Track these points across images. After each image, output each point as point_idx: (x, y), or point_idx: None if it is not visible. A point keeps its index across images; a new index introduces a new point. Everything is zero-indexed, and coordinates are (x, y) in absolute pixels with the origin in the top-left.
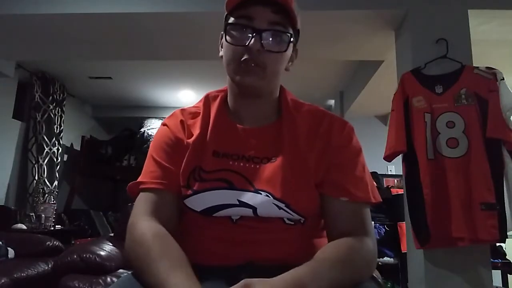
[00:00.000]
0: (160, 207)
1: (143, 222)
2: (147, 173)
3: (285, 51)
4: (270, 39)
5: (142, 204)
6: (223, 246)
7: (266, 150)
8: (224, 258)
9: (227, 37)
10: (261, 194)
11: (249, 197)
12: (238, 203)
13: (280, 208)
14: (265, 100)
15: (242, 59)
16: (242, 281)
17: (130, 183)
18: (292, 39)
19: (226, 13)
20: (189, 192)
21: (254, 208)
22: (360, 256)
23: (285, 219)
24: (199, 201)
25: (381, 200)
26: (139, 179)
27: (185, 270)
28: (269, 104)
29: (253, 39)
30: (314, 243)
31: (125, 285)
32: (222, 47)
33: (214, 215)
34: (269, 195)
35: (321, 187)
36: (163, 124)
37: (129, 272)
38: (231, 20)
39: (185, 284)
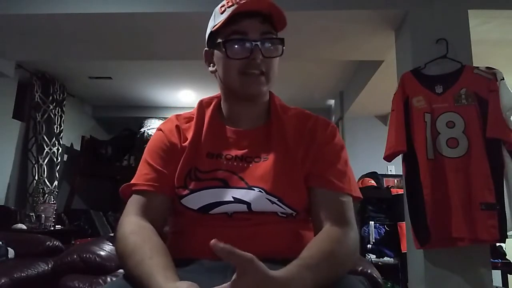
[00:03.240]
0: (149, 208)
1: (128, 221)
2: (140, 175)
3: (281, 54)
4: (269, 47)
5: (132, 205)
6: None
7: (257, 149)
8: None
9: (228, 53)
10: (254, 190)
11: (243, 194)
12: (233, 199)
13: (273, 202)
14: (257, 104)
15: (244, 71)
16: (250, 256)
17: (123, 185)
18: (283, 44)
19: (211, 30)
20: (186, 191)
21: (248, 204)
22: (343, 250)
23: (278, 213)
24: (196, 200)
25: (362, 197)
26: (131, 182)
27: (157, 260)
28: (260, 108)
29: (254, 50)
30: (306, 235)
31: (116, 286)
32: (210, 62)
33: (210, 212)
34: (262, 191)
35: (307, 180)
36: (158, 129)
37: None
38: (224, 37)
39: (158, 276)
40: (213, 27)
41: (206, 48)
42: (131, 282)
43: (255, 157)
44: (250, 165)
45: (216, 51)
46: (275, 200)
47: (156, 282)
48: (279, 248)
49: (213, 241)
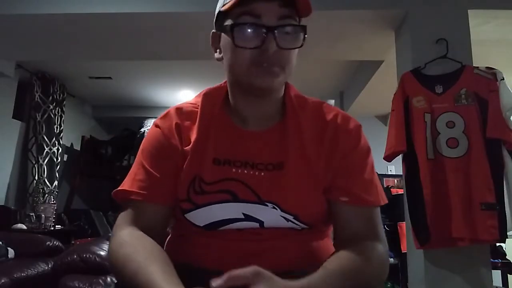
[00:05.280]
0: (145, 219)
1: (118, 234)
2: (134, 181)
3: (301, 46)
4: (286, 36)
5: (125, 215)
6: (227, 255)
7: (271, 155)
8: (228, 267)
9: (236, 40)
10: (267, 206)
11: (255, 210)
12: (243, 217)
13: (288, 220)
14: (271, 99)
15: (256, 61)
16: (253, 267)
17: (115, 190)
18: (305, 32)
19: (219, 10)
20: (190, 206)
21: (261, 222)
22: (371, 265)
23: (293, 228)
24: (202, 216)
25: (387, 201)
26: (125, 187)
27: (153, 268)
28: (275, 103)
29: (267, 39)
30: (318, 246)
31: None
32: (218, 48)
33: (218, 229)
34: (276, 207)
35: (329, 193)
36: (156, 125)
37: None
38: (232, 19)
39: (159, 281)
40: (223, 5)
41: (213, 30)
42: None
43: (268, 164)
44: (262, 174)
45: (223, 35)
46: (290, 217)
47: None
48: (294, 262)
49: (211, 282)
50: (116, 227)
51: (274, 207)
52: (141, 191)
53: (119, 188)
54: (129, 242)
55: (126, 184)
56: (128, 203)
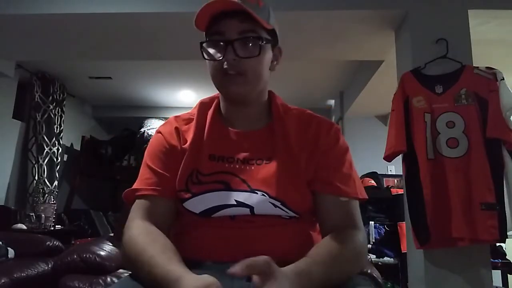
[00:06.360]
0: (154, 213)
1: (135, 225)
2: (142, 180)
3: (259, 54)
4: (244, 46)
5: (137, 210)
6: (222, 243)
7: (259, 152)
8: (223, 255)
9: (204, 55)
10: (257, 193)
11: (245, 197)
12: (235, 203)
13: (276, 206)
14: (254, 105)
15: (223, 71)
16: (264, 257)
17: (126, 190)
18: (264, 42)
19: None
20: (188, 195)
21: (251, 208)
22: (350, 250)
23: (282, 215)
24: (198, 203)
25: (367, 197)
26: (134, 186)
27: (169, 255)
28: (259, 109)
29: (226, 51)
30: (309, 236)
31: (124, 285)
32: None
33: (212, 216)
34: (265, 194)
35: (312, 185)
36: (158, 132)
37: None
38: (208, 38)
39: (167, 268)
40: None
41: None
42: (141, 279)
43: (257, 159)
44: (253, 168)
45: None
46: (278, 204)
47: (173, 271)
48: (285, 249)
49: (229, 270)
50: (130, 220)
51: (263, 194)
52: (152, 187)
53: (130, 188)
54: (146, 233)
55: (137, 185)
56: (141, 199)
